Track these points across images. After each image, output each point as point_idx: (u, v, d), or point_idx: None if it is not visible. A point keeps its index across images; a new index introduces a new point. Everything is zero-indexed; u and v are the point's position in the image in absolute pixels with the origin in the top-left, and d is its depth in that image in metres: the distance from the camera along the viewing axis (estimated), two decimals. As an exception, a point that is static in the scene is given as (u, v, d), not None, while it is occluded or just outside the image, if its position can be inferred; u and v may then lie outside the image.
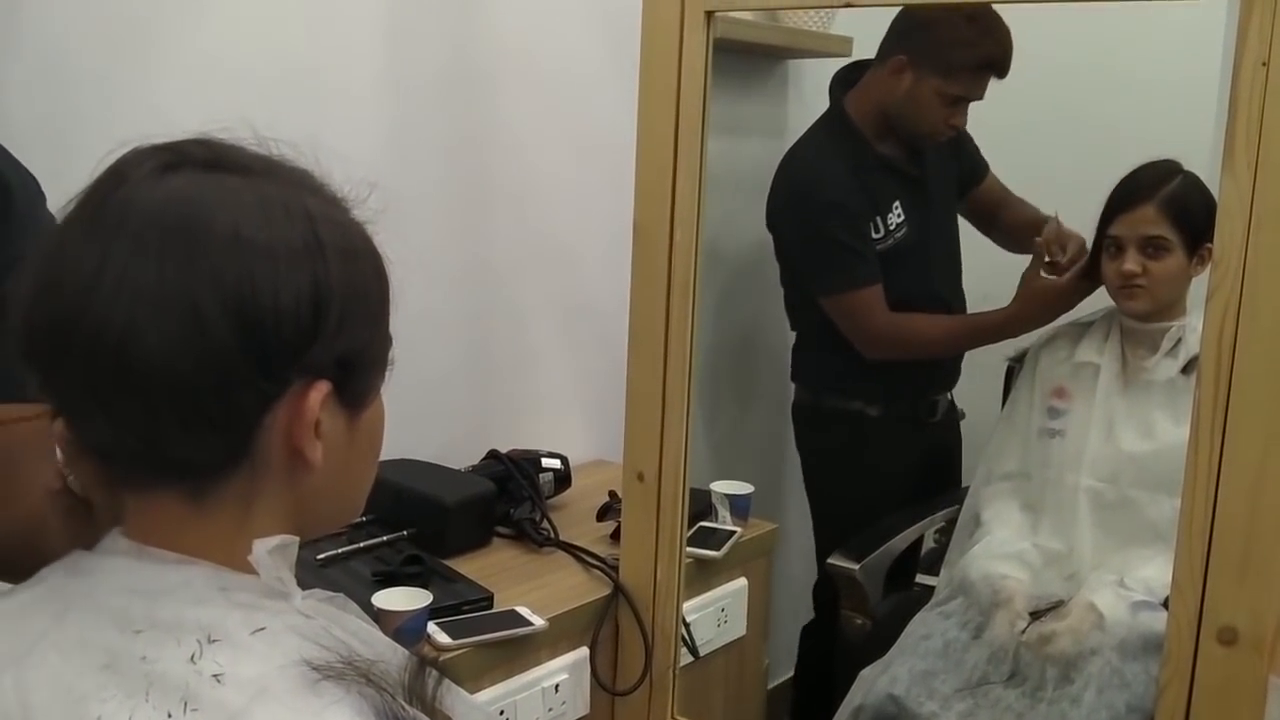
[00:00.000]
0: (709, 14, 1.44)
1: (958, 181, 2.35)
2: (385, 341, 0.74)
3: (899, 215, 2.19)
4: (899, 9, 2.13)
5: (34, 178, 0.97)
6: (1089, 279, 2.02)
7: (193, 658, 0.63)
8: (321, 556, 1.56)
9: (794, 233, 2.23)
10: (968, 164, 2.34)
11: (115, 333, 0.63)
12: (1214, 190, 1.13)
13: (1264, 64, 1.07)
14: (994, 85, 2.18)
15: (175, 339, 0.63)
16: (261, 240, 0.65)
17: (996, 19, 2.05)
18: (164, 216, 0.65)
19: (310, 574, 1.51)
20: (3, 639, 0.67)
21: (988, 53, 2.06)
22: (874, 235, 2.18)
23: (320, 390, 0.68)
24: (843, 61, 2.51)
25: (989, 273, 2.28)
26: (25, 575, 0.80)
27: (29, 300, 0.67)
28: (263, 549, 0.68)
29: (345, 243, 0.70)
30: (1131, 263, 1.89)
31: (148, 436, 0.66)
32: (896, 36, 2.15)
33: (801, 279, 2.27)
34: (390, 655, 0.68)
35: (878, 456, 2.32)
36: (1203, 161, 1.95)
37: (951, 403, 2.41)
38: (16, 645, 0.66)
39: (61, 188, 0.70)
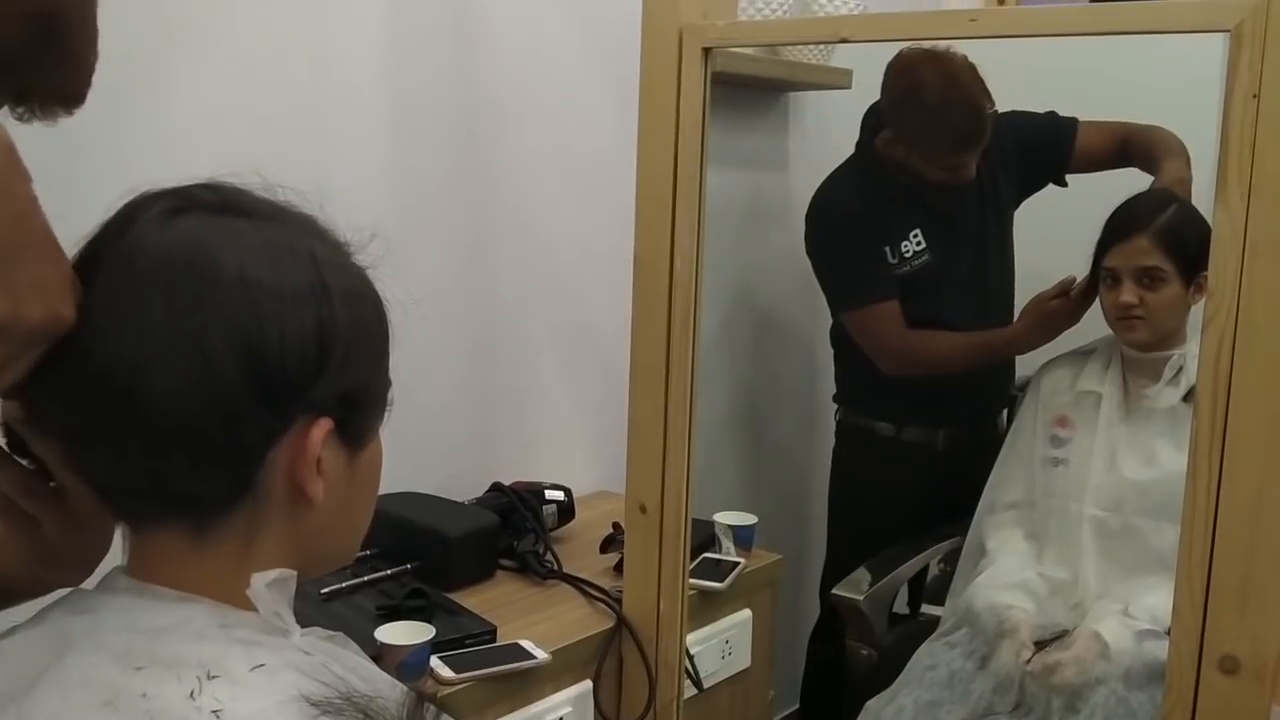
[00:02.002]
0: (706, 50, 1.45)
1: (1025, 189, 2.35)
2: (385, 382, 0.76)
3: (918, 244, 2.24)
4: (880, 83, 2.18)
5: None
6: (1091, 294, 2.03)
7: (192, 694, 0.63)
8: (325, 591, 1.56)
9: (814, 254, 2.32)
10: (1046, 157, 2.32)
11: (124, 371, 0.65)
12: (1209, 219, 1.13)
13: (1254, 96, 1.07)
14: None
15: (183, 377, 0.64)
16: (268, 281, 0.67)
17: (961, 99, 2.08)
18: (172, 258, 0.66)
19: (314, 608, 1.51)
20: (4, 677, 0.67)
21: (957, 137, 2.11)
22: (890, 260, 2.24)
23: (323, 427, 0.69)
24: (843, 94, 2.54)
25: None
26: None
27: None
28: (261, 583, 0.69)
29: (348, 285, 0.72)
30: (1129, 294, 1.90)
31: (153, 472, 0.67)
32: (882, 113, 2.22)
33: (826, 299, 2.35)
34: (389, 691, 0.69)
35: (890, 477, 2.37)
36: (1202, 191, 1.96)
37: (992, 438, 2.39)
38: (18, 683, 0.66)
39: (68, 228, 0.71)
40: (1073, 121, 2.29)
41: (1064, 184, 2.31)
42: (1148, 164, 2.15)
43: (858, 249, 2.24)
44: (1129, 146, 2.23)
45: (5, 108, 0.86)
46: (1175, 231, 1.88)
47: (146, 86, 1.50)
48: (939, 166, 2.16)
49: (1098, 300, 2.01)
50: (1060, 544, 1.99)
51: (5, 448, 0.73)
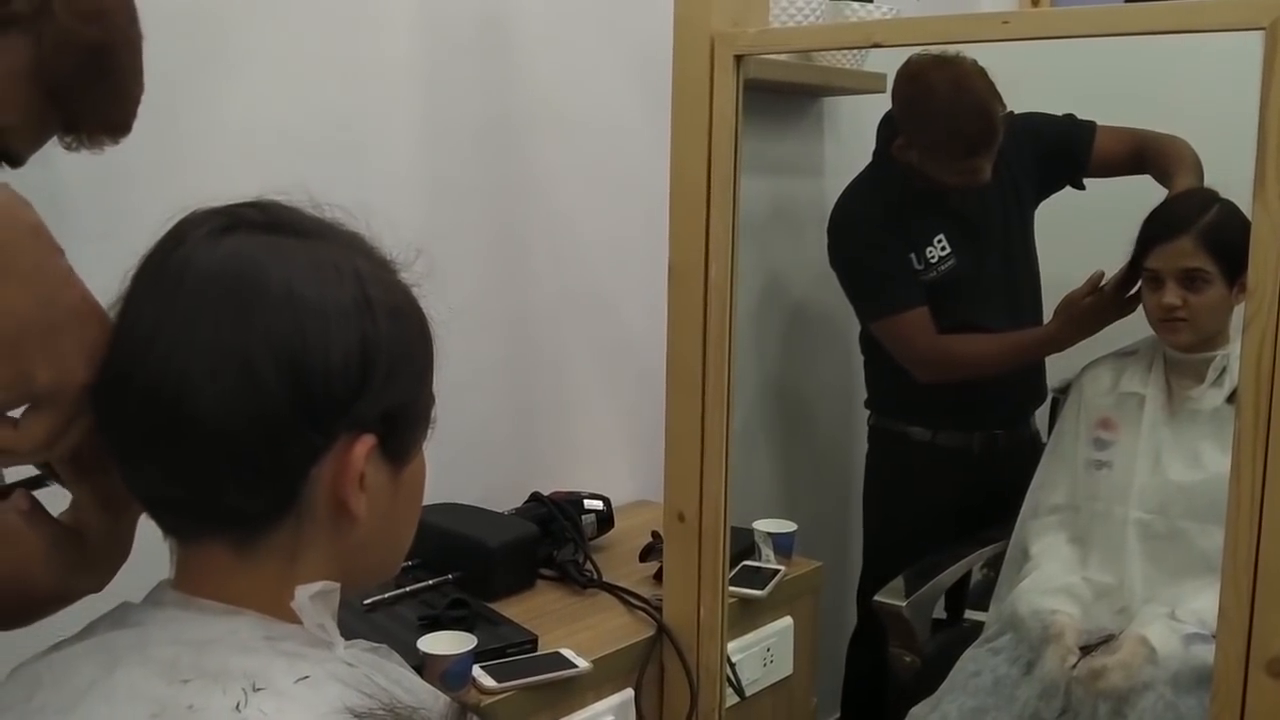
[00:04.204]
0: (738, 58, 1.46)
1: (1044, 191, 2.34)
2: (429, 399, 0.77)
3: (943, 249, 2.23)
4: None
5: None
6: (1124, 290, 2.01)
7: (238, 706, 0.64)
8: (368, 601, 1.57)
9: (839, 266, 2.31)
10: (1064, 160, 2.31)
11: (171, 387, 0.66)
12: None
13: (1292, 93, 1.07)
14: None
15: (229, 393, 0.65)
16: (313, 298, 0.68)
17: (971, 103, 2.07)
18: (220, 276, 0.68)
19: (357, 619, 1.52)
20: (53, 690, 0.68)
21: (967, 141, 2.10)
22: (916, 267, 2.22)
23: (366, 444, 0.70)
24: (878, 98, 2.53)
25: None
26: (11, 622, 0.82)
27: None
28: (305, 595, 0.70)
29: (393, 302, 0.72)
30: (1172, 296, 1.88)
31: (199, 486, 0.68)
32: (895, 120, 2.21)
33: (855, 310, 2.34)
34: (431, 702, 0.69)
35: (926, 482, 2.36)
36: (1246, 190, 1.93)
37: (1026, 439, 2.39)
38: (66, 696, 0.67)
39: (112, 248, 0.72)
40: (1091, 125, 2.28)
41: (1082, 187, 2.30)
42: (1161, 175, 2.14)
43: (884, 258, 2.24)
44: (1144, 154, 2.22)
45: (54, 137, 0.89)
46: (1219, 232, 1.85)
47: (187, 107, 1.52)
48: (953, 171, 2.15)
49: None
50: (1105, 548, 1.97)
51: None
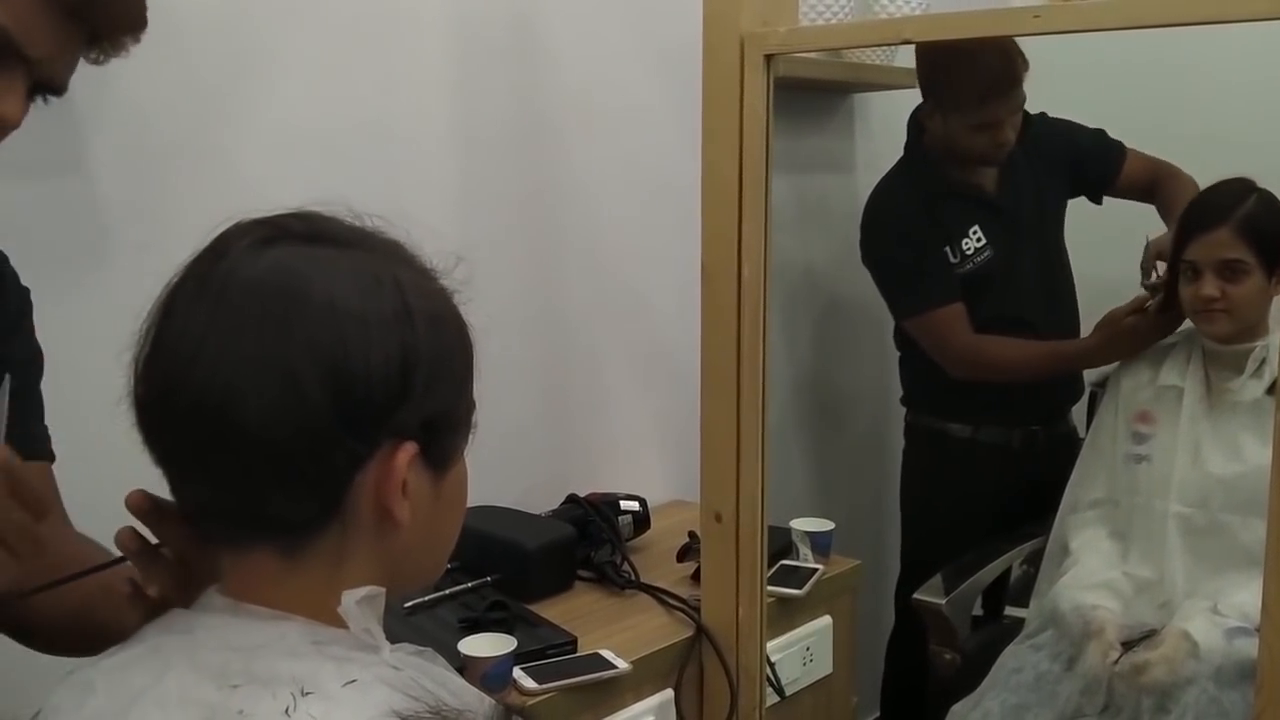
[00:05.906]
0: (768, 57, 1.46)
1: (1069, 194, 2.35)
2: (469, 405, 0.77)
3: (979, 240, 2.23)
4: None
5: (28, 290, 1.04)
6: (1168, 310, 1.99)
7: (287, 710, 0.65)
8: (409, 604, 1.59)
9: (872, 263, 2.31)
10: (1092, 171, 2.33)
11: (216, 398, 0.67)
12: None
13: (1329, 82, 1.06)
14: (1082, 107, 2.28)
15: (273, 403, 0.66)
16: (355, 308, 0.69)
17: (989, 44, 2.06)
18: (263, 287, 0.68)
19: (398, 622, 1.54)
20: (105, 696, 0.70)
21: (984, 79, 2.10)
22: (951, 260, 2.21)
23: (408, 451, 0.70)
24: (908, 94, 2.52)
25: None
26: (83, 649, 0.84)
27: (138, 368, 0.71)
28: (351, 600, 0.71)
29: (433, 310, 0.73)
30: (1210, 287, 1.86)
31: (245, 495, 0.69)
32: (921, 87, 2.23)
33: (888, 306, 2.33)
34: (476, 704, 0.70)
35: (964, 479, 2.35)
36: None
37: (1064, 434, 2.38)
38: (118, 702, 0.68)
39: (150, 258, 0.74)
40: (1121, 147, 2.30)
41: (1099, 202, 2.33)
42: (1165, 213, 2.17)
43: (918, 252, 2.23)
44: (1157, 188, 2.25)
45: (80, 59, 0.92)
46: (1256, 221, 1.84)
47: (219, 117, 1.54)
48: (974, 122, 2.14)
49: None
50: (1145, 542, 1.96)
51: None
